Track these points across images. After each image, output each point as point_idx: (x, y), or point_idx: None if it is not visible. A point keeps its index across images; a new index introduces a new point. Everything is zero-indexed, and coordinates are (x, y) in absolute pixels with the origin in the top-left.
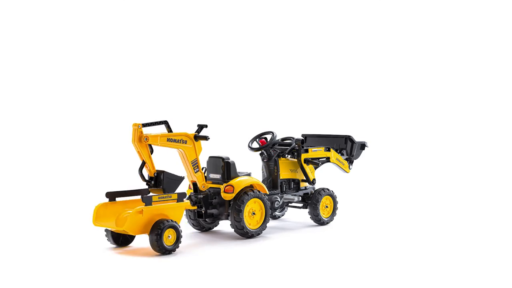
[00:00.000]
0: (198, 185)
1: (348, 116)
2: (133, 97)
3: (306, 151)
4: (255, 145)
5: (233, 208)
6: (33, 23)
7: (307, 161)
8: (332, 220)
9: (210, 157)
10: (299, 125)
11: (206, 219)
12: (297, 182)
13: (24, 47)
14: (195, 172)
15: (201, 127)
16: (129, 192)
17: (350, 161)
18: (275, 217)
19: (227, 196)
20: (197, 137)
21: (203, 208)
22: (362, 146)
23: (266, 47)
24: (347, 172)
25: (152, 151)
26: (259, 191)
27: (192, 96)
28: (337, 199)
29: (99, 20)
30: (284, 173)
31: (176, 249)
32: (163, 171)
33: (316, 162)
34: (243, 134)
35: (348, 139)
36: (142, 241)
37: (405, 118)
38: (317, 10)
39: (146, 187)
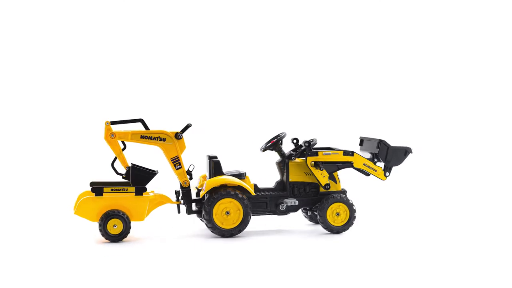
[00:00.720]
0: (180, 182)
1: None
2: (148, 99)
3: (316, 153)
4: (264, 146)
5: (203, 206)
6: (15, 22)
7: (317, 164)
8: (346, 229)
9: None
10: (324, 127)
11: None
12: (315, 186)
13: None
14: (177, 169)
15: (186, 126)
16: (112, 183)
17: (386, 167)
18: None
19: (201, 194)
20: (178, 136)
21: (186, 205)
22: (405, 152)
23: (278, 47)
24: (382, 179)
25: (124, 148)
26: (235, 192)
27: (211, 97)
28: (355, 207)
29: (97, 20)
30: (295, 175)
31: (124, 238)
32: (132, 165)
33: (320, 166)
34: (266, 135)
35: (380, 143)
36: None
37: (438, 120)
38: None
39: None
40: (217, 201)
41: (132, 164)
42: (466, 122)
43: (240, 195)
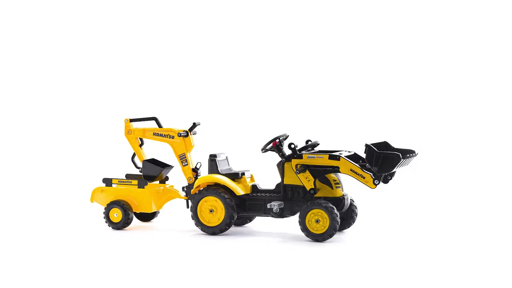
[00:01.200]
0: (185, 178)
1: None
2: (163, 99)
3: (301, 156)
4: (265, 146)
5: (190, 202)
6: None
7: (303, 167)
8: (327, 238)
9: None
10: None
11: None
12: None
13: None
14: (183, 166)
15: (193, 124)
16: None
17: (375, 175)
18: None
19: (192, 191)
20: (181, 135)
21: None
22: (395, 159)
23: (289, 49)
24: (371, 187)
25: (141, 143)
26: (217, 191)
27: (232, 96)
28: (338, 218)
29: (104, 20)
30: (290, 178)
31: (124, 227)
32: (144, 160)
33: (298, 169)
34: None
35: (367, 147)
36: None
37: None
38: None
39: None
40: (201, 199)
41: (145, 159)
42: (468, 124)
43: (222, 194)
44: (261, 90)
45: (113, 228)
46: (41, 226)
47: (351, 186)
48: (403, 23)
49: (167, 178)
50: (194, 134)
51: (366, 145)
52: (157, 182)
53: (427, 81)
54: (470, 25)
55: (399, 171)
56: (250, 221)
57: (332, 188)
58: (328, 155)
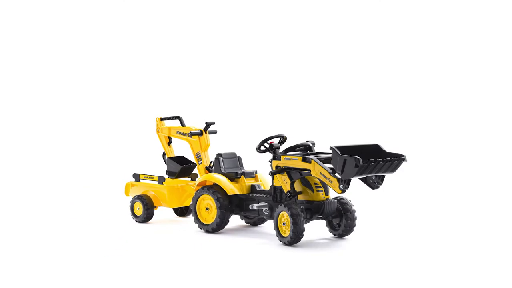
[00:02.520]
0: (199, 176)
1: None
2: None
3: (279, 158)
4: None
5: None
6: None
7: (281, 169)
8: (294, 242)
9: None
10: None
11: None
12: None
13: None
14: (199, 164)
15: (208, 124)
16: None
17: (340, 180)
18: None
19: (195, 189)
20: (192, 133)
21: None
22: (355, 164)
23: (296, 52)
24: (337, 192)
25: (170, 141)
26: (210, 190)
27: (235, 97)
28: (301, 221)
29: (117, 20)
30: (277, 179)
31: (146, 222)
32: (168, 158)
33: (274, 171)
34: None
35: (332, 149)
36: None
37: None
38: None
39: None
40: (199, 196)
41: (171, 156)
42: (467, 127)
43: (216, 193)
44: (289, 94)
45: (136, 221)
46: (44, 224)
47: (354, 190)
48: (398, 25)
49: (196, 176)
50: (214, 133)
51: (331, 148)
52: (188, 179)
53: (427, 82)
54: (463, 28)
55: (392, 176)
56: (262, 222)
57: (313, 191)
58: (301, 157)
